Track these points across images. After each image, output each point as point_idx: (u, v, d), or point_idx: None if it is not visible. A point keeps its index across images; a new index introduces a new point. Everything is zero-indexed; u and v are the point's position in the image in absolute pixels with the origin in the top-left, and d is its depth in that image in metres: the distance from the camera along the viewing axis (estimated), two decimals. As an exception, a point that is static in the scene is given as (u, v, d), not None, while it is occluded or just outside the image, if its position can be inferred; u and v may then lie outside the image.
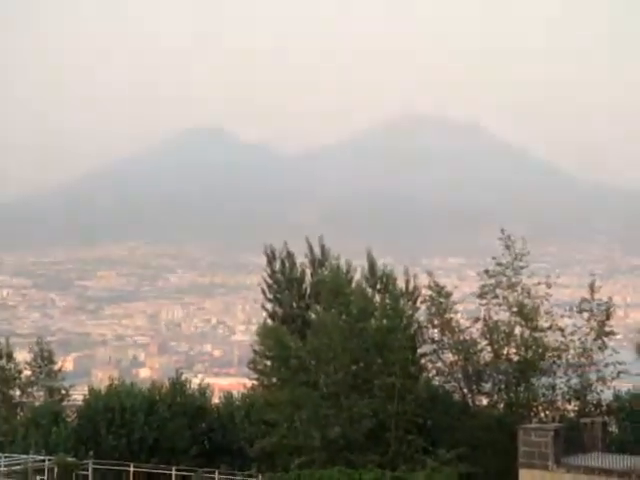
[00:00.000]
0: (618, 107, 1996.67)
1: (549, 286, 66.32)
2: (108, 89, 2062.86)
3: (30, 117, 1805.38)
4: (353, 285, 69.77)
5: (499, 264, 65.91)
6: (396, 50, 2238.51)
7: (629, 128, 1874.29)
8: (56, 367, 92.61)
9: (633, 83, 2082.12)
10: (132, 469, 67.51)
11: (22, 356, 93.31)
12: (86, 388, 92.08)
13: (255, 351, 73.83)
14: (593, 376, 65.50)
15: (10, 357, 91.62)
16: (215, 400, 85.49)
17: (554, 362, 65.54)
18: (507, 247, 66.02)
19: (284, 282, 72.82)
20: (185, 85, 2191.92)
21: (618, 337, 66.90)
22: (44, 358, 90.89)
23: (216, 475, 64.91)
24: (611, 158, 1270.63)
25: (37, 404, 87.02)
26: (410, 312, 68.48)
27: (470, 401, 66.82)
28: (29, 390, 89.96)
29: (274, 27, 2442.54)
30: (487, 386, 66.40)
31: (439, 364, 67.72)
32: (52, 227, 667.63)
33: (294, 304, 72.36)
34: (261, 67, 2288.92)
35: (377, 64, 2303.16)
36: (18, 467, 68.51)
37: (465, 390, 67.21)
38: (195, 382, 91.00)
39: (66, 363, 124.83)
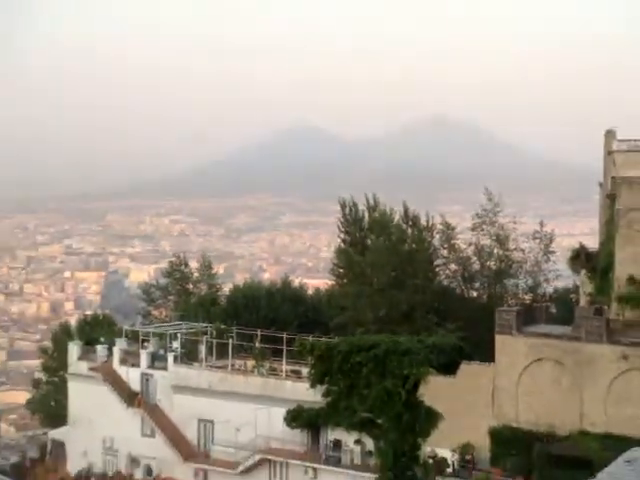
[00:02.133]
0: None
1: (514, 223, 77.97)
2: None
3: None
4: (394, 222, 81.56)
5: (484, 209, 77.53)
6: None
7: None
8: (213, 271, 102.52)
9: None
10: (259, 333, 72.90)
11: (193, 264, 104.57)
12: (231, 285, 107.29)
13: (334, 263, 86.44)
14: (542, 278, 77.57)
15: (186, 265, 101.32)
16: (309, 292, 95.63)
17: (518, 270, 76.94)
18: (489, 199, 77.47)
19: (351, 220, 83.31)
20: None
21: (557, 254, 77.83)
22: (206, 266, 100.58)
23: (310, 338, 66.95)
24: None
25: (202, 293, 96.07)
26: (429, 239, 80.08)
27: (466, 294, 77.93)
28: (198, 285, 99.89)
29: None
30: (476, 285, 78.42)
31: (447, 271, 79.68)
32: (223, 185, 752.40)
33: (357, 234, 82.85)
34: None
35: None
36: (192, 330, 76.71)
37: (463, 287, 78.57)
38: (296, 282, 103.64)
39: (219, 269, 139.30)
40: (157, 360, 75.17)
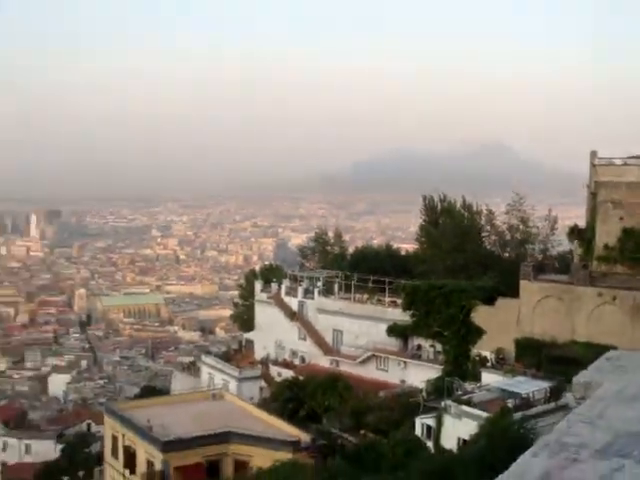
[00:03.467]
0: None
1: (532, 210, 76.42)
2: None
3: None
4: (456, 209, 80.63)
5: (513, 201, 76.11)
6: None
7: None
8: (342, 239, 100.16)
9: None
10: (371, 278, 70.49)
11: (330, 234, 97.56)
12: (353, 248, 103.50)
13: (417, 234, 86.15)
14: (549, 245, 75.81)
15: (326, 234, 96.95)
16: (402, 253, 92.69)
17: (534, 240, 75.48)
18: (516, 195, 75.97)
19: (429, 207, 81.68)
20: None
21: (559, 230, 75.61)
22: (337, 235, 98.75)
23: (402, 281, 67.09)
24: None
25: (335, 252, 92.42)
26: (478, 220, 79.09)
27: (501, 255, 76.24)
28: (332, 247, 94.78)
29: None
30: (508, 249, 76.40)
31: (489, 240, 78.34)
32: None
33: (432, 216, 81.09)
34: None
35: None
36: (329, 275, 76.39)
37: (499, 251, 77.05)
38: (394, 246, 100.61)
39: (346, 238, 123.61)
40: (308, 293, 76.12)
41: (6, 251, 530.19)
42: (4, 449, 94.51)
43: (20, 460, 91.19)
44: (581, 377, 2.99)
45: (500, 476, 1.82)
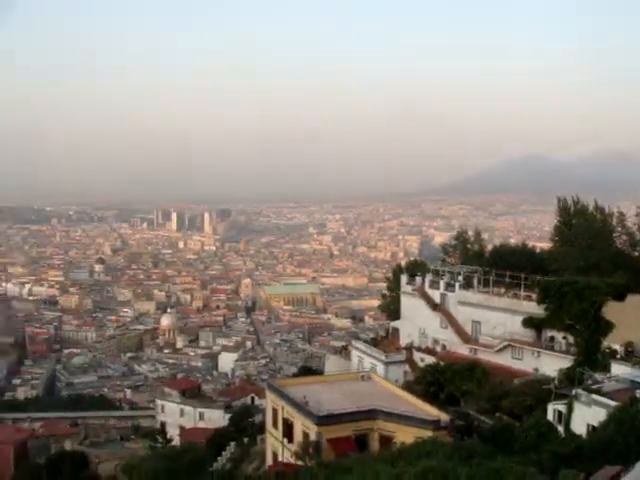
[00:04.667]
0: None
1: None
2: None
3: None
4: (588, 211, 77.26)
5: None
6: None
7: None
8: (481, 237, 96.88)
9: None
10: (507, 273, 69.12)
11: (470, 233, 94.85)
12: (491, 245, 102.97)
13: (552, 234, 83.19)
14: None
15: (466, 233, 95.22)
16: (537, 251, 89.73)
17: None
18: None
19: (563, 209, 78.54)
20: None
21: None
22: (477, 234, 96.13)
23: (537, 277, 65.37)
24: None
25: (474, 249, 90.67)
26: (610, 221, 75.62)
27: (631, 254, 73.10)
28: (473, 244, 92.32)
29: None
30: (638, 249, 73.59)
31: (620, 240, 75.03)
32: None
33: (566, 217, 77.97)
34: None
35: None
36: (469, 270, 74.43)
37: (630, 250, 73.76)
38: (530, 245, 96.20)
39: (485, 236, 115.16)
40: (449, 286, 75.32)
41: (184, 245, 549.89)
42: (182, 415, 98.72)
43: (195, 425, 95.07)
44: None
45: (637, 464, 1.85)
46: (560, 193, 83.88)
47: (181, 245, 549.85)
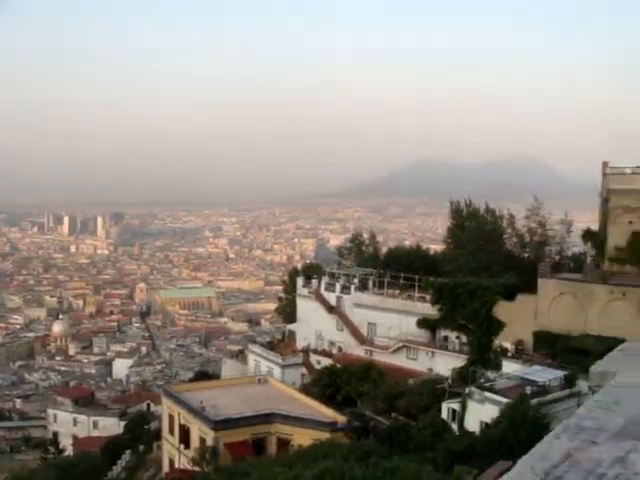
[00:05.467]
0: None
1: (550, 214, 74.86)
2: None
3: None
4: (480, 213, 79.35)
5: (532, 207, 74.25)
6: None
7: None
8: (376, 240, 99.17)
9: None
10: (402, 275, 70.64)
11: (365, 235, 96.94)
12: (386, 247, 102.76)
13: (445, 236, 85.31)
14: (565, 246, 74.55)
15: (361, 235, 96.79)
16: (431, 252, 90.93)
17: (551, 241, 73.91)
18: (536, 200, 74.37)
19: (456, 212, 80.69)
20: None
21: (574, 233, 73.68)
22: (372, 237, 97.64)
23: (431, 278, 66.81)
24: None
25: (369, 251, 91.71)
26: (500, 223, 77.39)
27: (521, 255, 74.81)
28: (367, 247, 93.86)
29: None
30: (527, 250, 74.84)
31: (510, 242, 76.76)
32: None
33: (459, 220, 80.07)
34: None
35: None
36: (364, 272, 76.13)
37: (519, 251, 75.62)
38: (423, 246, 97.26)
39: (380, 238, 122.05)
40: (345, 289, 75.79)
41: (76, 249, 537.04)
42: (75, 424, 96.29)
43: (89, 434, 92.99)
44: (597, 367, 2.97)
45: (524, 457, 1.81)
46: (457, 196, 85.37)
47: (73, 249, 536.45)
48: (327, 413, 48.78)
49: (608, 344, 18.30)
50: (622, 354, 3.16)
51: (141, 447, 69.57)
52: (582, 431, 2.19)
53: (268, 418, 48.17)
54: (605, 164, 61.64)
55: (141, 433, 76.77)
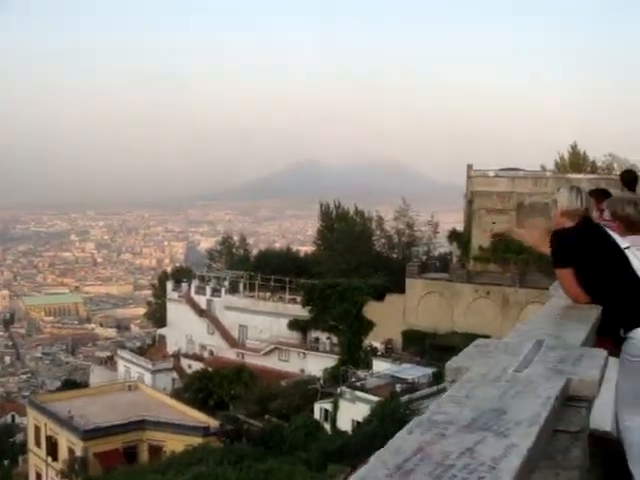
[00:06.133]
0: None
1: (417, 216, 77.37)
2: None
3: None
4: (349, 215, 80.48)
5: (401, 208, 76.31)
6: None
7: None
8: (246, 242, 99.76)
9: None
10: (273, 277, 70.05)
11: (235, 238, 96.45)
12: (257, 250, 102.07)
13: (315, 238, 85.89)
14: (432, 247, 76.95)
15: (232, 238, 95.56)
16: (301, 255, 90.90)
17: (419, 242, 76.33)
18: (404, 203, 75.58)
19: (326, 214, 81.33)
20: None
21: (440, 234, 76.23)
22: (243, 239, 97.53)
23: (301, 280, 68.16)
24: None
25: (240, 254, 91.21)
26: (369, 225, 79.02)
27: (389, 256, 76.30)
28: (238, 249, 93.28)
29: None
30: (395, 250, 76.95)
31: (379, 243, 78.43)
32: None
33: (329, 221, 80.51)
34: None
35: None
36: (235, 275, 76.01)
37: (388, 252, 77.31)
38: (294, 248, 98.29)
39: (250, 241, 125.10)
40: (215, 292, 75.49)
41: None
42: None
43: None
44: (452, 363, 3.12)
45: (377, 452, 1.90)
46: (325, 198, 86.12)
47: None
48: (199, 418, 48.45)
49: (474, 341, 18.87)
50: (477, 350, 3.33)
51: (6, 462, 66.86)
52: (434, 425, 2.30)
53: (139, 425, 47.36)
54: (469, 167, 63.64)
55: (5, 447, 73.76)
